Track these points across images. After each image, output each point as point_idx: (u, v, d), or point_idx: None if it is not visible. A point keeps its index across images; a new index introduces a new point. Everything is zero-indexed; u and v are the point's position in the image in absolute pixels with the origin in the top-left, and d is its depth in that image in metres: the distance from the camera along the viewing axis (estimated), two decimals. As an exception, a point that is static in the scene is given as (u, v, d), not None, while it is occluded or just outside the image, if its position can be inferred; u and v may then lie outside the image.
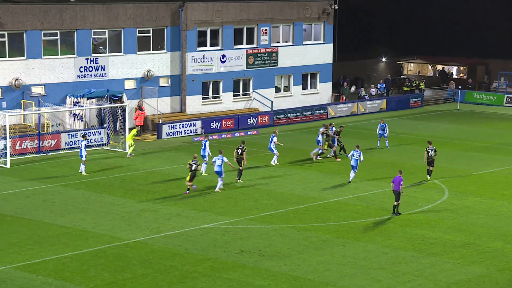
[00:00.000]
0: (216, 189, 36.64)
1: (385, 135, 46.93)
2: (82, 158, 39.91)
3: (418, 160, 43.81)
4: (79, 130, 47.12)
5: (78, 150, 41.08)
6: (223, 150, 37.96)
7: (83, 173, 39.79)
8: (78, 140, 46.34)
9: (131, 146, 44.73)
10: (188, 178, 36.25)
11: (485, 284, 25.40)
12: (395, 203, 33.08)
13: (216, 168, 36.53)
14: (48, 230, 30.53)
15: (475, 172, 41.62)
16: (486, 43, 77.93)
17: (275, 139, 42.11)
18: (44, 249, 28.26)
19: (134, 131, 45.37)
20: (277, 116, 56.65)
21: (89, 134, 46.95)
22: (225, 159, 36.63)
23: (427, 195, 36.60)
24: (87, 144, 40.78)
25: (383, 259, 27.67)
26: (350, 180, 38.68)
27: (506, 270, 26.80)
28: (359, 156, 38.38)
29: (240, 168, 38.77)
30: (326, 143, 44.27)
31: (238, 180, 38.58)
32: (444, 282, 25.49)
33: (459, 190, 37.71)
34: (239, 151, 38.78)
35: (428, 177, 39.32)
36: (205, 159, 40.07)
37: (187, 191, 36.36)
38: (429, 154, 39.09)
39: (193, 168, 35.96)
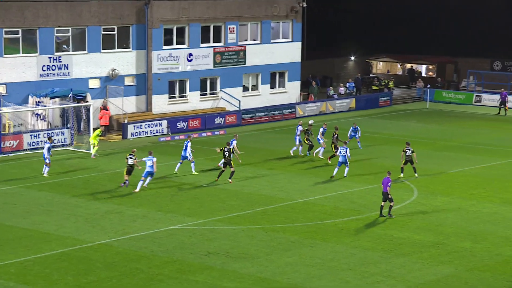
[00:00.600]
0: (139, 187, 36.53)
1: (356, 136, 47.03)
2: (46, 161, 39.48)
3: (387, 159, 44.08)
4: (42, 131, 46.75)
5: (43, 151, 40.23)
6: (153, 151, 37.89)
7: (45, 175, 39.49)
8: (41, 141, 46.04)
9: (95, 146, 44.44)
10: (124, 172, 37.42)
11: (454, 284, 25.62)
12: (382, 203, 33.07)
13: (148, 169, 36.88)
14: (9, 233, 30.24)
15: (444, 172, 41.96)
16: (455, 41, 78.65)
17: (234, 143, 40.79)
18: (5, 252, 27.97)
19: (97, 131, 45.03)
20: (245, 115, 56.66)
21: (53, 134, 46.56)
22: (154, 159, 37.12)
23: (396, 195, 36.77)
24: (50, 147, 40.00)
25: (352, 260, 27.79)
26: (333, 175, 39.57)
27: (475, 270, 27.05)
28: (346, 152, 39.22)
29: (232, 168, 38.70)
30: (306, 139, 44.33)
31: (229, 181, 38.59)
32: (413, 283, 25.66)
33: (428, 189, 37.99)
34: (226, 153, 38.59)
35: (416, 175, 39.98)
36: (189, 159, 40.08)
37: (123, 184, 37.45)
38: (407, 154, 39.51)
39: (129, 162, 37.28)
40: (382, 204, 33.22)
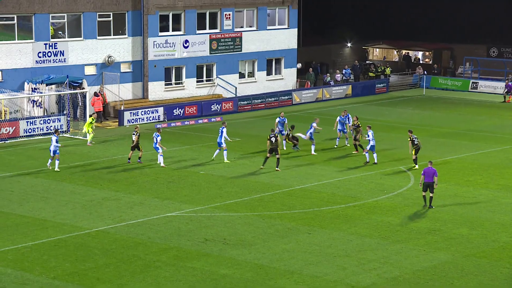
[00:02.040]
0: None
1: (345, 130, 43.98)
2: (52, 154, 37.83)
3: (384, 146, 44.11)
4: (38, 117, 46.70)
5: (51, 146, 37.96)
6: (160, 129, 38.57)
7: (56, 169, 37.72)
8: (38, 128, 46.03)
9: (90, 134, 44.34)
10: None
11: (450, 271, 25.73)
12: (431, 194, 32.62)
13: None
14: (6, 220, 30.26)
15: (441, 158, 42.03)
16: (451, 28, 78.58)
17: (225, 130, 40.23)
18: (2, 239, 28.00)
19: (90, 119, 44.80)
20: (241, 102, 56.65)
21: (49, 121, 46.55)
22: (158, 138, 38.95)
23: (393, 182, 36.90)
24: (57, 139, 38.19)
25: (349, 246, 27.87)
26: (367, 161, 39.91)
27: (471, 256, 27.15)
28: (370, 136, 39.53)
29: (277, 155, 38.54)
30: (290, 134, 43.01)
31: (277, 169, 38.52)
32: (410, 269, 25.77)
33: (424, 176, 38.04)
34: (273, 140, 38.46)
35: (416, 166, 39.15)
36: (222, 146, 39.96)
37: (129, 161, 39.49)
38: (415, 143, 39.06)
39: (133, 138, 39.55)
40: (424, 194, 32.67)
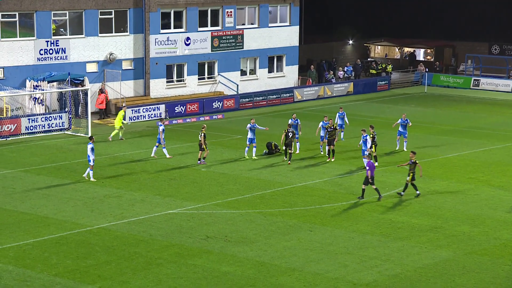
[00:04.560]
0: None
1: (343, 125, 44.09)
2: (90, 163, 35.46)
3: (385, 144, 44.10)
4: (40, 115, 46.71)
5: (87, 152, 35.44)
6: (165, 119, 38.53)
7: (92, 179, 35.63)
8: (39, 125, 46.06)
9: (117, 129, 44.29)
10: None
11: (452, 268, 25.71)
12: (374, 187, 33.20)
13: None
14: (8, 217, 30.27)
15: (442, 156, 42.01)
16: (453, 25, 78.51)
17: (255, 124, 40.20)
18: (4, 236, 28.02)
19: (121, 112, 45.00)
20: (243, 99, 56.63)
21: (50, 118, 46.56)
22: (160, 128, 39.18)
23: (394, 179, 36.88)
24: (93, 147, 35.62)
25: (350, 244, 27.86)
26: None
27: (473, 254, 27.14)
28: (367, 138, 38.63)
29: (290, 151, 39.20)
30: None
31: (288, 163, 39.06)
32: (411, 267, 25.76)
33: (426, 174, 37.99)
34: (290, 134, 38.98)
35: (376, 163, 38.44)
36: (253, 142, 39.98)
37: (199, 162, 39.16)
38: (375, 140, 38.88)
39: (199, 138, 38.63)
40: (364, 188, 33.29)
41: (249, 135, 39.96)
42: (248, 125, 40.16)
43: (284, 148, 40.03)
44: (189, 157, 40.63)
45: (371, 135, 38.84)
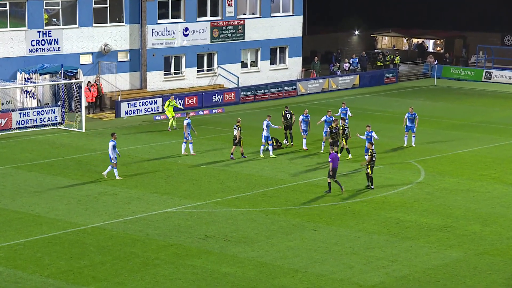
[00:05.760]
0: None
1: (346, 120, 43.05)
2: (111, 161, 35.31)
3: (393, 139, 44.12)
4: (31, 109, 46.74)
5: (109, 150, 35.49)
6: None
7: (117, 177, 35.42)
8: (31, 119, 46.09)
9: (171, 118, 45.78)
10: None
11: (462, 269, 25.72)
12: (332, 180, 33.94)
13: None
14: (-2, 216, 30.34)
15: (453, 152, 42.02)
16: (464, 14, 78.44)
17: (270, 122, 39.98)
18: (-6, 236, 28.09)
19: (168, 102, 46.30)
20: (244, 93, 56.63)
21: (42, 112, 46.58)
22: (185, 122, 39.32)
23: (402, 176, 36.90)
24: (115, 144, 35.48)
25: (356, 244, 27.88)
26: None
27: (485, 254, 27.15)
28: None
29: (290, 131, 41.09)
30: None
31: (292, 144, 40.65)
32: (420, 268, 25.77)
33: (435, 170, 38.05)
34: (288, 116, 40.74)
35: (350, 156, 39.62)
36: (268, 140, 39.92)
37: (232, 156, 39.49)
38: (345, 132, 39.54)
39: (234, 133, 39.07)
40: (329, 181, 33.70)
41: (265, 132, 39.65)
42: (265, 122, 39.76)
43: (285, 132, 41.77)
44: (188, 153, 40.59)
45: (342, 127, 39.49)
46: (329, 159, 33.68)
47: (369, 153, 34.46)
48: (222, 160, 39.31)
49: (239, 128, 39.29)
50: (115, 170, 35.57)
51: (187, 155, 39.87)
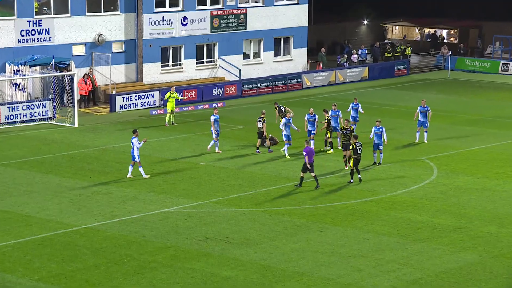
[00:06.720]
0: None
1: (357, 117, 43.49)
2: (135, 160, 35.17)
3: (404, 135, 44.12)
4: (21, 102, 46.78)
5: (133, 149, 35.18)
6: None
7: (144, 176, 35.32)
8: (20, 114, 46.14)
9: (169, 113, 45.65)
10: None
11: (477, 273, 25.73)
12: (313, 174, 34.21)
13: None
14: (-14, 216, 30.39)
15: (467, 148, 42.02)
16: (479, 3, 78.36)
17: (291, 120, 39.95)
18: (-18, 237, 28.13)
19: (169, 94, 46.21)
20: (246, 86, 56.66)
21: (32, 106, 46.61)
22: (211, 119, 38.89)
23: (413, 174, 36.91)
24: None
25: (365, 246, 27.90)
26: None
27: (501, 257, 27.16)
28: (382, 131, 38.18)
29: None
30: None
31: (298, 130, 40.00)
32: (433, 271, 25.79)
33: (449, 168, 38.06)
34: (282, 108, 41.05)
35: (331, 150, 40.07)
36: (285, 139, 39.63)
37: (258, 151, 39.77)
38: (331, 124, 39.85)
39: (258, 126, 39.49)
40: (302, 175, 34.07)
41: (286, 131, 39.36)
42: (284, 120, 39.49)
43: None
44: (186, 150, 40.66)
45: (325, 120, 39.79)
46: (304, 153, 34.02)
47: (351, 147, 34.84)
48: (223, 157, 39.33)
49: (264, 121, 39.46)
50: (141, 169, 35.29)
51: (209, 153, 39.60)
